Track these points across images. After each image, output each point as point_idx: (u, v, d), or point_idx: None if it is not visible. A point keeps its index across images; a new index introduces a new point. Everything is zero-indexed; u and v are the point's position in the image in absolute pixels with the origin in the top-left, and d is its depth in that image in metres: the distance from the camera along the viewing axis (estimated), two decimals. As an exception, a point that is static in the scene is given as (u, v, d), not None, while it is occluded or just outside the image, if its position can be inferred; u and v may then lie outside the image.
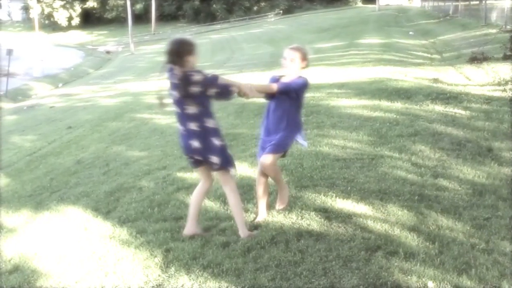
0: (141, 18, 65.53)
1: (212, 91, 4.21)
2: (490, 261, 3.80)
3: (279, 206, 4.92)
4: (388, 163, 5.98)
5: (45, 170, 8.42)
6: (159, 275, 4.03)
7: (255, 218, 4.80)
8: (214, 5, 66.83)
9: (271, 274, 3.80)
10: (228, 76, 16.96)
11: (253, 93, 4.43)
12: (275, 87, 4.57)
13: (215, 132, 4.36)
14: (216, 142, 4.34)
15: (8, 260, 4.96)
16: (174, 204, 5.43)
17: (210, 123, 4.32)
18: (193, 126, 4.29)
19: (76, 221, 5.52)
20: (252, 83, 4.64)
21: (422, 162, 5.98)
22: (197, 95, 4.20)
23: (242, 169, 6.24)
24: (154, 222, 5.04)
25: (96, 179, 7.12)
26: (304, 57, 4.73)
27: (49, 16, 68.97)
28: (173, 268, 4.08)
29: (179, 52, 4.20)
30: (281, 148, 4.69)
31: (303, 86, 4.69)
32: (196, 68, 4.25)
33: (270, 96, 4.64)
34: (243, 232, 4.44)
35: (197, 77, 4.15)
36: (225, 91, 4.26)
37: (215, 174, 4.56)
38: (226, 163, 4.43)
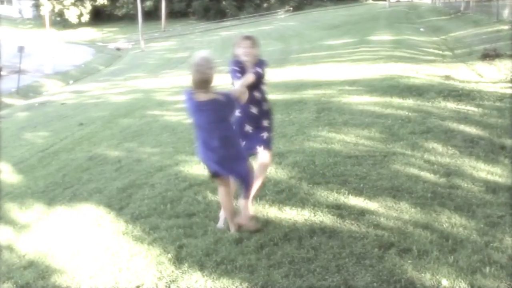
0: (151, 15, 65.60)
1: None
2: (504, 259, 3.78)
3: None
4: (401, 161, 5.96)
5: (57, 166, 8.47)
6: (172, 271, 4.05)
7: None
8: (223, 2, 66.80)
9: (284, 271, 3.82)
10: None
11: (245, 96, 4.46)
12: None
13: None
14: None
15: (23, 256, 5.01)
16: (186, 201, 5.45)
17: None
18: None
19: (89, 217, 5.56)
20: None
21: (434, 160, 5.96)
22: None
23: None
24: (166, 219, 5.06)
25: (108, 175, 7.15)
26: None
27: (60, 13, 69.27)
28: (186, 264, 4.10)
29: None
30: None
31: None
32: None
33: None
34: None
35: None
36: None
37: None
38: None
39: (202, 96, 4.10)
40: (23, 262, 4.86)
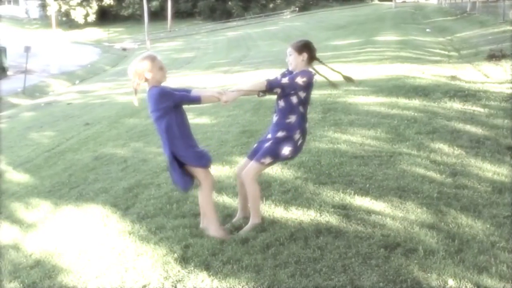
0: (157, 15, 65.89)
1: None
2: (511, 259, 3.77)
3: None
4: (407, 161, 5.96)
5: (63, 166, 8.49)
6: (178, 271, 4.05)
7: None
8: (229, 2, 66.98)
9: (290, 271, 3.82)
10: (245, 73, 16.98)
11: (227, 97, 4.27)
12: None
13: None
14: None
15: (29, 255, 5.03)
16: (192, 201, 5.44)
17: None
18: None
19: (95, 217, 5.57)
20: (239, 86, 4.48)
21: (440, 160, 5.95)
22: None
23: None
24: (173, 218, 5.07)
25: (114, 175, 7.16)
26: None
27: (66, 13, 69.65)
28: (192, 264, 4.10)
29: None
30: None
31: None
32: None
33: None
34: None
35: None
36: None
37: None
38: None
39: (148, 89, 4.51)
40: (29, 262, 4.88)
